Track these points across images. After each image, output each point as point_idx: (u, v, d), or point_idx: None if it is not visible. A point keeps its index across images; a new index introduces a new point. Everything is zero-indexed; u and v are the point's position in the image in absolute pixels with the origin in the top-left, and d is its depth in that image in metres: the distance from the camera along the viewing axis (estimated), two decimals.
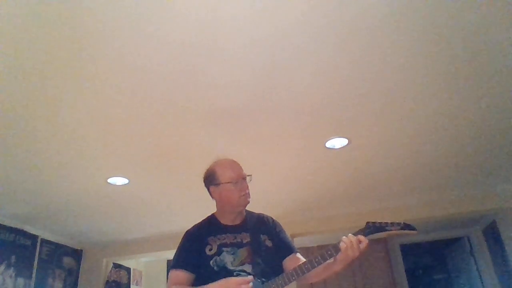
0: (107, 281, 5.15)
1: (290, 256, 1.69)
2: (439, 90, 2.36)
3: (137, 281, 5.96)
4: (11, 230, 4.01)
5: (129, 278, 5.74)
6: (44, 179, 3.18)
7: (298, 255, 1.70)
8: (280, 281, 1.52)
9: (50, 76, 2.00)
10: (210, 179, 1.70)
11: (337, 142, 2.92)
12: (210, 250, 1.61)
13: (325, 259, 1.50)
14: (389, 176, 3.63)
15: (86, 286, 5.00)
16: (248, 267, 1.57)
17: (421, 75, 2.21)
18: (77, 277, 5.01)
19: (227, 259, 1.59)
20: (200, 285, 1.58)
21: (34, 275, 4.23)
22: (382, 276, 5.44)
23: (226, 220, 1.71)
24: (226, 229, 1.68)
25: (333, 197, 4.10)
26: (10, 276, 3.89)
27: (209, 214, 1.79)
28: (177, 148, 2.86)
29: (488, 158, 3.37)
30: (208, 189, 1.72)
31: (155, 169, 3.16)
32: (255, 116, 2.52)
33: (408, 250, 6.09)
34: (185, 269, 1.61)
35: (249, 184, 1.71)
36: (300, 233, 4.63)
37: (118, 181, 3.29)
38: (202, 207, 1.82)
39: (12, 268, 3.93)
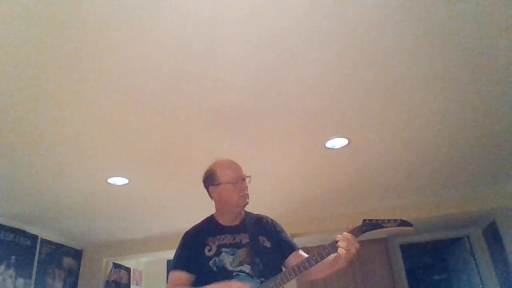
0: (107, 281, 5.16)
1: (293, 254, 1.69)
2: (439, 90, 2.36)
3: (137, 281, 5.96)
4: (11, 230, 4.01)
5: (129, 278, 5.74)
6: (44, 179, 3.18)
7: (300, 252, 1.71)
8: (278, 280, 1.53)
9: (50, 76, 2.00)
10: (209, 180, 1.71)
11: (337, 142, 2.93)
12: (209, 250, 1.62)
13: (322, 257, 1.50)
14: (389, 176, 3.63)
15: (86, 286, 5.00)
16: (247, 267, 1.57)
17: (421, 75, 2.21)
18: (77, 277, 5.01)
19: (226, 259, 1.59)
20: (199, 285, 1.58)
21: (34, 275, 4.23)
22: (382, 276, 5.44)
23: (225, 220, 1.71)
24: (225, 230, 1.68)
25: (333, 197, 4.10)
26: (10, 276, 3.89)
27: (209, 214, 1.79)
28: (177, 148, 2.86)
29: (488, 158, 3.37)
30: (208, 190, 1.73)
31: (155, 169, 3.16)
32: (255, 116, 2.52)
33: (408, 250, 6.09)
34: (185, 270, 1.62)
35: (249, 184, 1.71)
36: (300, 233, 4.63)
37: (118, 181, 3.29)
38: (202, 207, 1.83)
39: (12, 268, 3.93)
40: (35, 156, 2.80)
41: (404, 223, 1.50)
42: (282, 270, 1.66)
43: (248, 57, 1.97)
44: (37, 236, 4.38)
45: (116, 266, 5.44)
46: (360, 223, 1.53)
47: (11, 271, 3.92)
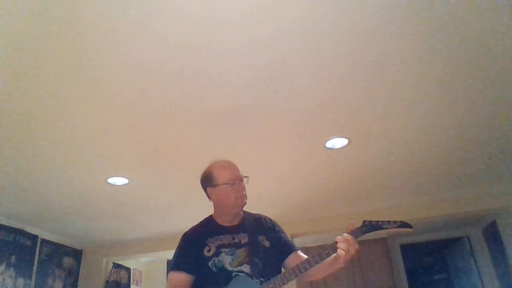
0: (107, 281, 5.16)
1: (292, 254, 1.69)
2: (439, 90, 2.36)
3: (137, 281, 5.96)
4: (11, 230, 4.01)
5: (129, 278, 5.74)
6: (45, 179, 3.18)
7: (300, 252, 1.71)
8: (278, 281, 1.53)
9: (50, 76, 2.00)
10: (207, 181, 1.71)
11: (337, 142, 2.93)
12: (209, 251, 1.61)
13: (322, 258, 1.51)
14: (389, 176, 3.63)
15: (86, 286, 5.00)
16: (246, 268, 1.57)
17: (421, 75, 2.21)
18: (77, 277, 5.01)
19: (226, 259, 1.59)
20: (199, 286, 1.58)
21: (34, 275, 4.23)
22: (382, 276, 5.44)
23: (224, 221, 1.71)
24: (224, 230, 1.68)
25: (333, 197, 4.10)
26: (10, 276, 3.89)
27: (209, 214, 1.79)
28: (177, 148, 2.86)
29: (488, 158, 3.37)
30: (205, 191, 1.73)
31: (155, 169, 3.16)
32: (255, 116, 2.52)
33: (408, 250, 6.09)
34: (184, 271, 1.62)
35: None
36: (300, 233, 4.63)
37: (118, 181, 3.29)
38: (202, 207, 1.82)
39: (12, 268, 3.93)
40: (35, 156, 2.80)
41: (404, 224, 1.50)
42: (281, 270, 1.66)
43: (248, 56, 1.97)
44: (37, 236, 4.38)
45: (116, 266, 5.44)
46: (360, 224, 1.53)
47: (11, 271, 3.92)
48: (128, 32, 1.75)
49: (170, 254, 1.74)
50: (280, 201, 4.11)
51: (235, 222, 1.71)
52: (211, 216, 1.77)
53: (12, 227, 4.02)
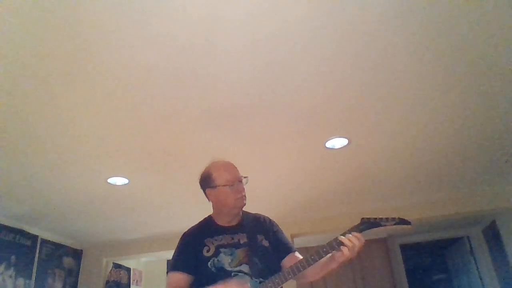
0: (107, 281, 5.16)
1: (289, 255, 1.69)
2: (439, 90, 2.36)
3: (137, 281, 5.96)
4: (11, 230, 4.01)
5: (129, 278, 5.74)
6: (44, 179, 3.18)
7: (297, 253, 1.71)
8: (277, 280, 1.53)
9: (50, 76, 2.00)
10: (206, 182, 1.71)
11: (337, 142, 2.92)
12: (208, 251, 1.62)
13: (320, 257, 1.51)
14: (389, 176, 3.63)
15: (86, 286, 5.00)
16: (245, 267, 1.57)
17: (421, 75, 2.21)
18: (77, 277, 5.01)
19: (225, 260, 1.59)
20: (198, 286, 1.58)
21: (34, 275, 4.23)
22: (382, 276, 5.44)
23: (223, 221, 1.71)
24: (223, 230, 1.68)
25: (333, 197, 4.10)
26: (10, 276, 3.89)
27: (209, 214, 1.79)
28: (177, 148, 2.86)
29: (488, 158, 3.37)
30: (204, 192, 1.73)
31: (155, 169, 3.16)
32: (255, 116, 2.52)
33: (408, 250, 6.09)
34: (183, 271, 1.62)
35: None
36: (300, 233, 4.63)
37: (118, 181, 3.29)
38: (202, 207, 1.82)
39: (12, 268, 3.94)
40: (35, 156, 2.80)
41: (402, 221, 1.50)
42: (280, 269, 1.66)
43: (248, 56, 1.97)
44: (37, 236, 4.38)
45: (116, 266, 5.44)
46: (358, 221, 1.53)
47: (11, 271, 3.92)
48: (128, 32, 1.75)
49: (170, 254, 1.74)
50: (280, 201, 4.11)
51: (234, 222, 1.71)
52: (210, 216, 1.77)
53: (12, 227, 4.02)
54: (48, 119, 2.38)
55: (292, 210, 4.39)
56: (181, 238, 1.73)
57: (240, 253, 1.61)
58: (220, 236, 1.66)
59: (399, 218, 1.50)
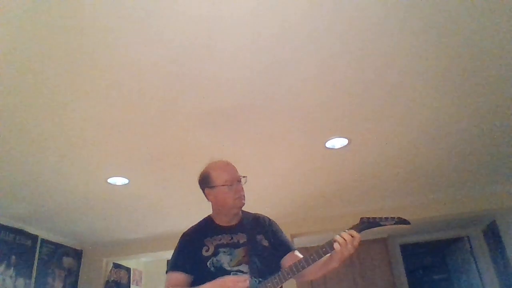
0: (107, 281, 5.16)
1: (288, 254, 1.69)
2: (439, 90, 2.36)
3: (137, 281, 5.96)
4: (11, 230, 4.01)
5: (129, 278, 5.74)
6: (44, 179, 3.18)
7: (296, 252, 1.71)
8: (276, 280, 1.53)
9: (50, 76, 2.00)
10: (205, 182, 1.71)
11: (337, 142, 2.93)
12: (207, 251, 1.62)
13: (320, 256, 1.50)
14: (389, 176, 3.63)
15: (86, 286, 5.00)
16: (245, 267, 1.57)
17: (422, 75, 2.21)
18: (77, 277, 5.00)
19: (224, 259, 1.59)
20: (197, 286, 1.58)
21: (34, 275, 4.23)
22: (382, 276, 5.44)
23: (223, 221, 1.71)
24: (222, 230, 1.68)
25: (333, 197, 4.10)
26: (10, 276, 3.89)
27: (209, 213, 1.79)
28: (177, 148, 2.86)
29: (488, 158, 3.37)
30: (203, 192, 1.73)
31: (155, 169, 3.16)
32: (255, 116, 2.52)
33: (408, 250, 6.09)
34: (182, 271, 1.62)
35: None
36: (300, 233, 4.63)
37: (118, 181, 3.29)
38: (202, 207, 1.82)
39: (12, 268, 3.93)
40: (35, 157, 2.80)
41: (401, 220, 1.50)
42: (280, 269, 1.66)
43: (248, 56, 1.97)
44: (37, 236, 4.37)
45: (116, 266, 5.44)
46: (357, 221, 1.53)
47: (11, 271, 3.92)
48: (128, 32, 1.75)
49: (170, 254, 1.74)
50: (280, 201, 4.11)
51: (234, 222, 1.71)
52: (209, 216, 1.77)
53: (12, 227, 4.02)
54: (48, 120, 2.37)
55: (292, 210, 4.39)
56: (180, 238, 1.73)
57: (239, 252, 1.61)
58: (220, 236, 1.66)
59: (398, 217, 1.50)
